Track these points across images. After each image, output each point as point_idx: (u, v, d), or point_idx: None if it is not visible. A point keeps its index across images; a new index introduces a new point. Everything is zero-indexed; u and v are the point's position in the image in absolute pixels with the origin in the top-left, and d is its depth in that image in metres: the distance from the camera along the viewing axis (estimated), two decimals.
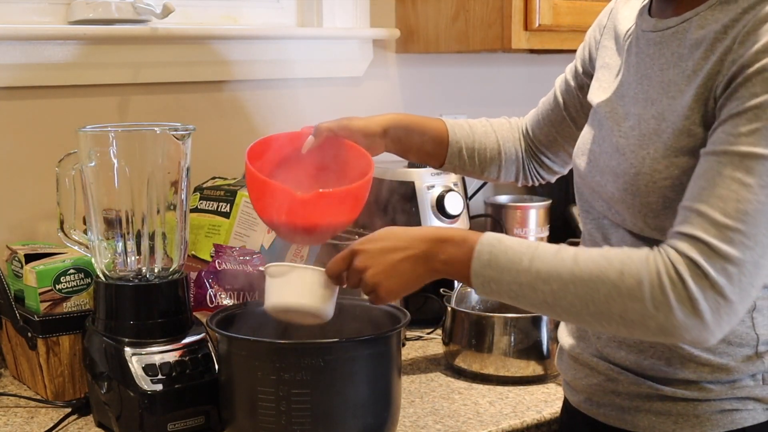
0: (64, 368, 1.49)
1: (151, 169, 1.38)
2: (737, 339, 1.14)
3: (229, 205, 1.75)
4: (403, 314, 1.33)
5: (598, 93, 1.27)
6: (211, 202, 1.77)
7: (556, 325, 1.58)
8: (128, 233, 1.39)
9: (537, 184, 1.58)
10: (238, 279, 1.56)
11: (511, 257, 1.09)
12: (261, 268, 1.58)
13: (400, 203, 1.89)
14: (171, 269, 1.42)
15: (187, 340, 1.38)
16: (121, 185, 1.37)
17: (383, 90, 2.16)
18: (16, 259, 1.55)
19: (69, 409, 1.44)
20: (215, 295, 1.55)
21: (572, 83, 1.44)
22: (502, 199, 2.25)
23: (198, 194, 1.79)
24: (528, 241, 1.13)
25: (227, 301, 1.55)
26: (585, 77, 1.41)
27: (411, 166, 1.94)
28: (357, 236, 1.75)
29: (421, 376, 1.63)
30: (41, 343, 1.47)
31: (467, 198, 2.02)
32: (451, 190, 1.91)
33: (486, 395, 1.54)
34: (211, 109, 1.93)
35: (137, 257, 1.41)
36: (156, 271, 1.41)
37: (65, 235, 1.44)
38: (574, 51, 1.45)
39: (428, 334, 1.84)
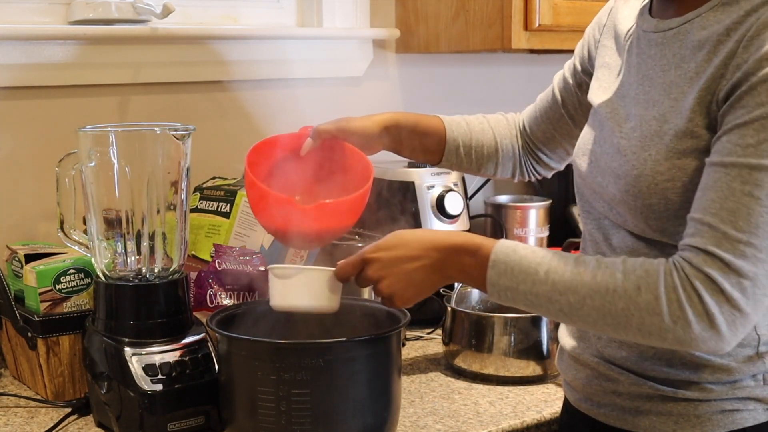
0: (64, 368, 1.49)
1: (151, 169, 1.38)
2: None
3: (229, 205, 1.75)
4: (403, 314, 1.32)
5: (598, 93, 1.27)
6: (211, 202, 1.77)
7: (556, 326, 1.58)
8: (128, 233, 1.39)
9: (533, 179, 1.59)
10: (238, 279, 1.56)
11: (526, 268, 1.11)
12: (262, 268, 1.58)
13: (400, 203, 1.89)
14: (171, 269, 1.42)
15: (187, 340, 1.38)
16: (121, 185, 1.37)
17: (383, 90, 2.16)
18: (16, 259, 1.55)
19: (69, 409, 1.44)
20: (215, 295, 1.55)
21: (571, 81, 1.44)
22: (502, 199, 2.25)
23: (198, 194, 1.79)
24: (542, 249, 1.14)
25: (227, 301, 1.55)
26: (584, 76, 1.41)
27: (411, 166, 1.94)
28: (357, 236, 1.76)
29: (421, 376, 1.63)
30: (41, 343, 1.47)
31: (467, 198, 2.02)
32: (451, 190, 1.91)
33: (486, 395, 1.54)
34: (211, 109, 1.93)
35: (137, 257, 1.41)
36: (156, 271, 1.41)
37: (65, 235, 1.44)
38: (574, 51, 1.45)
39: (428, 334, 1.84)
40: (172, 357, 1.35)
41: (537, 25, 1.90)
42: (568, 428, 1.37)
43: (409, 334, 1.83)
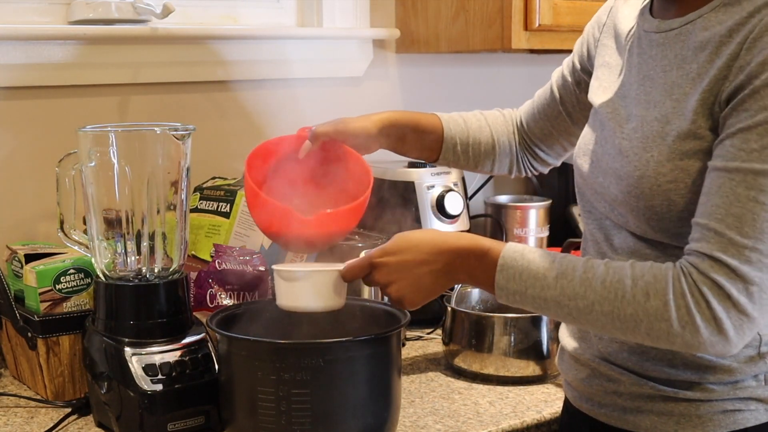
0: (64, 368, 1.49)
1: (151, 169, 1.38)
2: None
3: (229, 205, 1.75)
4: (403, 314, 1.32)
5: (598, 93, 1.27)
6: (211, 202, 1.77)
7: (556, 326, 1.58)
8: (128, 233, 1.39)
9: (530, 175, 1.59)
10: (238, 279, 1.56)
11: (534, 272, 1.12)
12: (262, 268, 1.58)
13: (400, 203, 1.89)
14: (171, 269, 1.42)
15: (187, 340, 1.38)
16: (121, 185, 1.37)
17: (383, 90, 2.16)
18: (16, 259, 1.55)
19: (69, 409, 1.44)
20: (215, 295, 1.55)
21: (569, 79, 1.44)
22: (502, 199, 2.25)
23: (198, 194, 1.79)
24: (550, 253, 1.14)
25: (227, 301, 1.55)
26: (583, 74, 1.41)
27: (411, 166, 1.94)
28: (356, 236, 1.76)
29: (421, 376, 1.63)
30: (41, 343, 1.47)
31: (467, 198, 2.02)
32: (451, 190, 1.91)
33: (486, 395, 1.54)
34: (211, 109, 1.93)
35: (137, 257, 1.41)
36: (156, 271, 1.41)
37: (65, 235, 1.44)
38: None
39: (428, 334, 1.84)
40: (172, 357, 1.35)
41: (537, 25, 1.90)
42: (569, 428, 1.37)
43: (409, 334, 1.83)
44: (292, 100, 1.96)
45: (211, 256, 1.60)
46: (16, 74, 1.71)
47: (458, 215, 1.91)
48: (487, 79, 2.31)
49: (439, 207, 1.89)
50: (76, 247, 1.45)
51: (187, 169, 1.42)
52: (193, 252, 1.72)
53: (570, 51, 1.47)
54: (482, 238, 1.19)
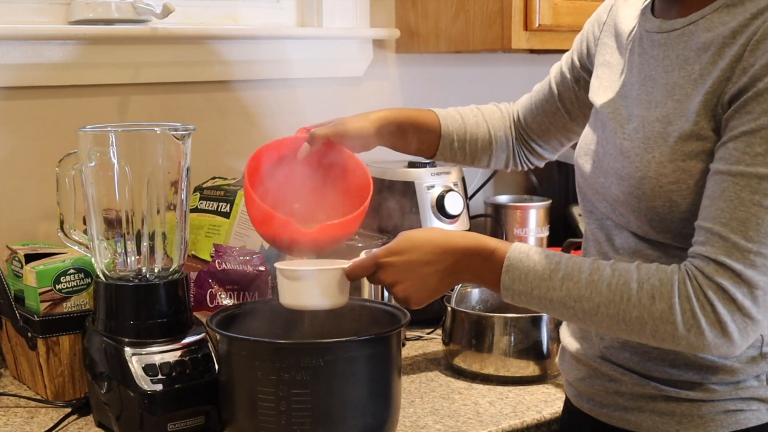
0: (64, 368, 1.48)
1: (151, 169, 1.38)
2: None
3: (229, 205, 1.75)
4: (403, 314, 1.33)
5: (599, 92, 1.27)
6: (211, 202, 1.77)
7: (557, 325, 1.58)
8: (128, 233, 1.39)
9: (526, 169, 1.60)
10: (238, 279, 1.56)
11: (540, 274, 1.12)
12: (262, 268, 1.58)
13: (400, 203, 1.89)
14: (171, 269, 1.42)
15: (187, 340, 1.38)
16: (121, 185, 1.37)
17: (383, 90, 2.16)
18: (16, 259, 1.55)
19: (69, 409, 1.44)
20: (215, 295, 1.55)
21: (568, 76, 1.44)
22: (502, 199, 2.25)
23: (198, 194, 1.79)
24: (556, 254, 1.15)
25: (227, 301, 1.55)
26: (582, 71, 1.41)
27: (411, 166, 1.94)
28: (357, 236, 1.76)
29: (421, 376, 1.63)
30: (41, 343, 1.47)
31: (467, 198, 2.02)
32: (451, 190, 1.91)
33: (486, 395, 1.54)
34: (211, 109, 1.93)
35: (137, 257, 1.41)
36: (156, 271, 1.41)
37: (65, 235, 1.44)
38: None
39: (428, 334, 1.84)
40: (172, 357, 1.35)
41: (537, 25, 1.90)
42: (569, 428, 1.37)
43: (409, 334, 1.83)
44: (292, 100, 1.96)
45: (211, 256, 1.60)
46: (16, 74, 1.71)
47: (458, 215, 1.91)
48: (487, 79, 2.31)
49: (439, 207, 1.89)
50: (76, 247, 1.45)
51: (187, 169, 1.42)
52: (193, 252, 1.72)
53: None
54: (487, 238, 1.20)
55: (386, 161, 1.95)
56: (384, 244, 1.31)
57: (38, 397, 1.50)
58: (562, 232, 2.20)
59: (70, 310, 1.49)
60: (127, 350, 1.34)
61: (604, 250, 1.23)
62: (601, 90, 1.27)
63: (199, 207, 1.77)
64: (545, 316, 1.58)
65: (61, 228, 1.43)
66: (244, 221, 1.71)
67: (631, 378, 1.20)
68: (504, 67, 2.33)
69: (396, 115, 1.48)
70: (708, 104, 1.07)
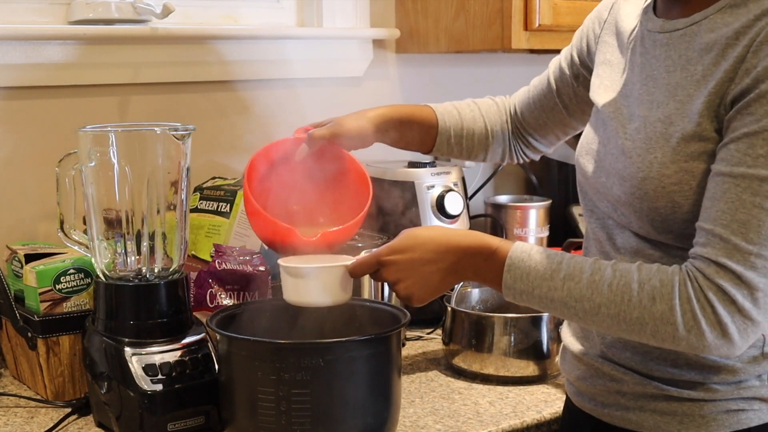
0: (64, 368, 1.48)
1: (151, 169, 1.38)
2: None
3: (229, 205, 1.75)
4: (403, 314, 1.33)
5: (600, 91, 1.27)
6: (211, 202, 1.77)
7: (557, 325, 1.58)
8: (128, 233, 1.39)
9: (522, 162, 1.60)
10: (238, 279, 1.56)
11: (542, 273, 1.13)
12: (262, 268, 1.58)
13: (400, 203, 1.89)
14: (171, 269, 1.42)
15: (187, 340, 1.38)
16: (121, 185, 1.37)
17: (383, 90, 2.16)
18: (16, 259, 1.55)
19: (69, 409, 1.44)
20: (215, 295, 1.55)
21: (567, 72, 1.44)
22: (502, 199, 2.25)
23: (198, 194, 1.79)
24: (557, 253, 1.15)
25: (227, 301, 1.55)
26: (582, 68, 1.41)
27: (411, 166, 1.94)
28: (357, 236, 1.75)
29: (421, 376, 1.63)
30: (41, 343, 1.47)
31: (467, 198, 2.02)
32: (451, 190, 1.91)
33: (486, 395, 1.54)
34: (211, 109, 1.93)
35: (137, 257, 1.41)
36: (156, 271, 1.41)
37: (65, 235, 1.43)
38: None
39: (428, 334, 1.84)
40: (172, 357, 1.35)
41: (537, 25, 1.90)
42: (570, 428, 1.37)
43: (409, 334, 1.83)
44: (292, 100, 1.96)
45: (211, 256, 1.60)
46: (16, 74, 1.71)
47: (458, 215, 1.91)
48: (487, 79, 2.31)
49: (439, 207, 1.89)
50: (76, 247, 1.45)
51: (187, 169, 1.42)
52: (193, 252, 1.72)
53: None
54: (489, 237, 1.20)
55: (386, 161, 1.95)
56: (384, 244, 1.31)
57: (38, 397, 1.50)
58: (562, 232, 2.20)
59: (70, 310, 1.49)
60: (127, 350, 1.34)
61: (605, 250, 1.23)
62: (602, 89, 1.26)
63: (199, 207, 1.77)
64: (545, 316, 1.58)
65: (61, 228, 1.43)
66: (244, 221, 1.71)
67: (633, 377, 1.20)
68: (504, 67, 2.33)
69: (393, 113, 1.48)
70: (711, 105, 1.07)
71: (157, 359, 1.34)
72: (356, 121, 1.44)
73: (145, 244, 1.40)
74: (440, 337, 1.71)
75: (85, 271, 1.49)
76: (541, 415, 1.45)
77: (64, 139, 1.51)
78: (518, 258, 1.15)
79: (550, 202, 2.20)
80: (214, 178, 1.85)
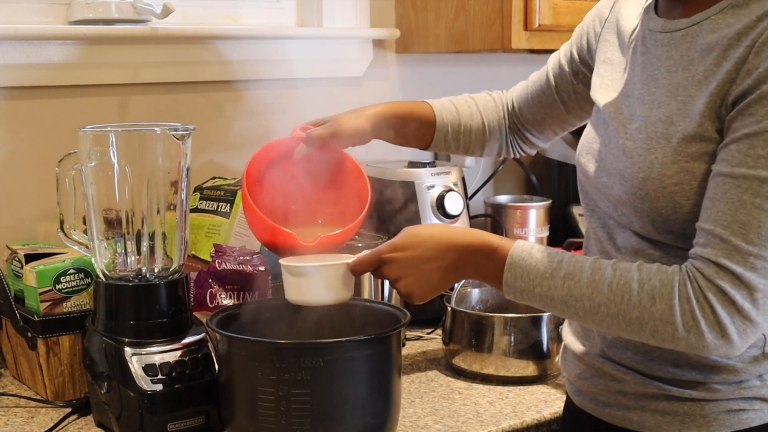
0: (64, 368, 1.48)
1: (151, 169, 1.38)
2: None
3: (229, 205, 1.75)
4: (403, 314, 1.33)
5: (600, 91, 1.27)
6: (211, 202, 1.77)
7: (557, 325, 1.58)
8: (128, 233, 1.39)
9: (518, 156, 1.61)
10: (238, 279, 1.56)
11: (542, 272, 1.13)
12: (262, 268, 1.58)
13: (400, 203, 1.89)
14: (171, 269, 1.42)
15: (187, 340, 1.38)
16: (121, 185, 1.37)
17: (383, 90, 2.16)
18: (16, 259, 1.55)
19: (69, 409, 1.44)
20: (215, 295, 1.55)
21: (567, 69, 1.44)
22: (502, 199, 2.25)
23: (198, 194, 1.79)
24: (558, 252, 1.15)
25: (227, 301, 1.55)
26: (582, 65, 1.41)
27: (411, 166, 1.94)
28: (356, 236, 1.75)
29: (421, 375, 1.63)
30: (41, 343, 1.47)
31: (467, 198, 2.01)
32: (451, 190, 1.91)
33: (486, 395, 1.54)
34: (211, 109, 1.93)
35: (137, 257, 1.41)
36: (156, 271, 1.41)
37: (65, 235, 1.43)
38: None
39: (428, 334, 1.84)
40: (172, 357, 1.35)
41: (537, 25, 1.90)
42: (571, 428, 1.37)
43: (409, 334, 1.83)
44: (292, 100, 1.96)
45: (211, 256, 1.60)
46: (16, 74, 1.71)
47: (458, 215, 1.91)
48: (487, 79, 2.31)
49: (439, 207, 1.89)
50: (76, 247, 1.45)
51: (187, 169, 1.42)
52: (193, 252, 1.72)
53: None
54: (490, 235, 1.21)
55: (386, 161, 1.95)
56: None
57: (38, 397, 1.50)
58: (562, 232, 2.20)
59: (70, 310, 1.49)
60: (127, 350, 1.34)
61: (606, 249, 1.23)
62: (603, 89, 1.26)
63: (199, 207, 1.77)
64: (545, 316, 1.58)
65: (61, 228, 1.43)
66: (244, 221, 1.71)
67: (634, 377, 1.20)
68: (504, 67, 2.33)
69: (391, 110, 1.49)
70: (712, 106, 1.07)
71: (157, 359, 1.34)
72: (354, 120, 1.44)
73: (145, 244, 1.40)
74: (440, 337, 1.71)
75: (85, 271, 1.49)
76: (541, 415, 1.45)
77: (64, 139, 1.51)
78: (519, 256, 1.15)
79: (550, 202, 2.20)
80: (214, 178, 1.85)
